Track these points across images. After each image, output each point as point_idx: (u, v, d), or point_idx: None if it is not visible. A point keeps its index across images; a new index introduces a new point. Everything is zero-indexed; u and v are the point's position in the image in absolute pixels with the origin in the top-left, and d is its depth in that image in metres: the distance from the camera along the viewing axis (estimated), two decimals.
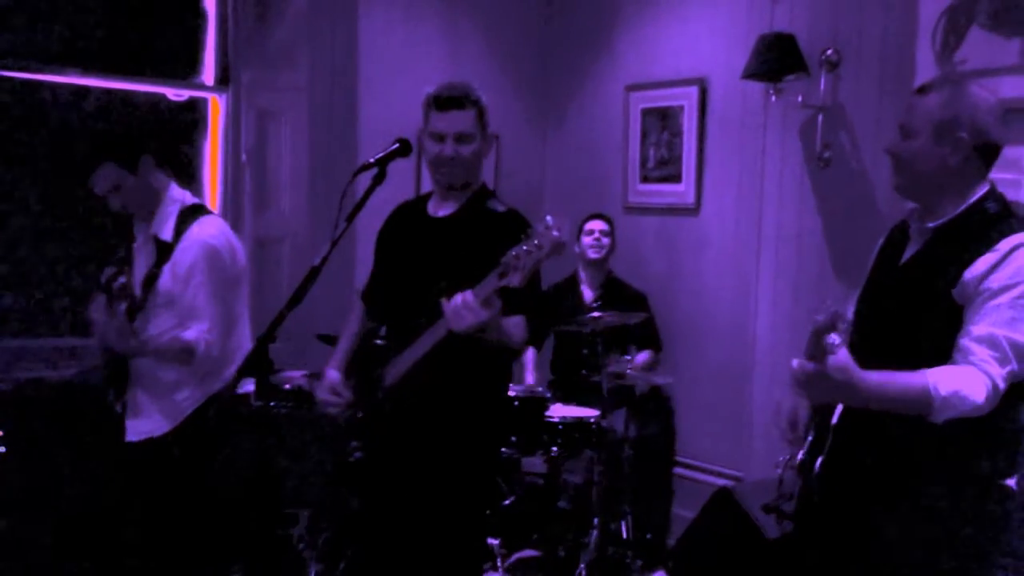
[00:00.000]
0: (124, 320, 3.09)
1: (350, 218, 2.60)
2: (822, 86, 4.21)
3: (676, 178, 4.96)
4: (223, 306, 3.13)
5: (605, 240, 4.77)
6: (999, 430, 2.13)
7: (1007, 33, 3.60)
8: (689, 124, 4.87)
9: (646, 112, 5.08)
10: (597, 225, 4.79)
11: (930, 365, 2.04)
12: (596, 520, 4.06)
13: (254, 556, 3.77)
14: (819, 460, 2.27)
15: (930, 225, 2.21)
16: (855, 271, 2.65)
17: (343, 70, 4.77)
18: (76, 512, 3.74)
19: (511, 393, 3.88)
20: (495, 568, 3.86)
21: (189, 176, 4.84)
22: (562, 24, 5.53)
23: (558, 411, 4.15)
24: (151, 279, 3.12)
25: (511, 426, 3.96)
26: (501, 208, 2.77)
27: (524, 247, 2.34)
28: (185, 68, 4.86)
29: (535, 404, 4.04)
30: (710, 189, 4.84)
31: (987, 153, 2.18)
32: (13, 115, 4.44)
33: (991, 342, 2.03)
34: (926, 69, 3.76)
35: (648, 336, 4.72)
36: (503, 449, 3.93)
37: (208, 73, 4.88)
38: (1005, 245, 2.07)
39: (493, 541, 3.90)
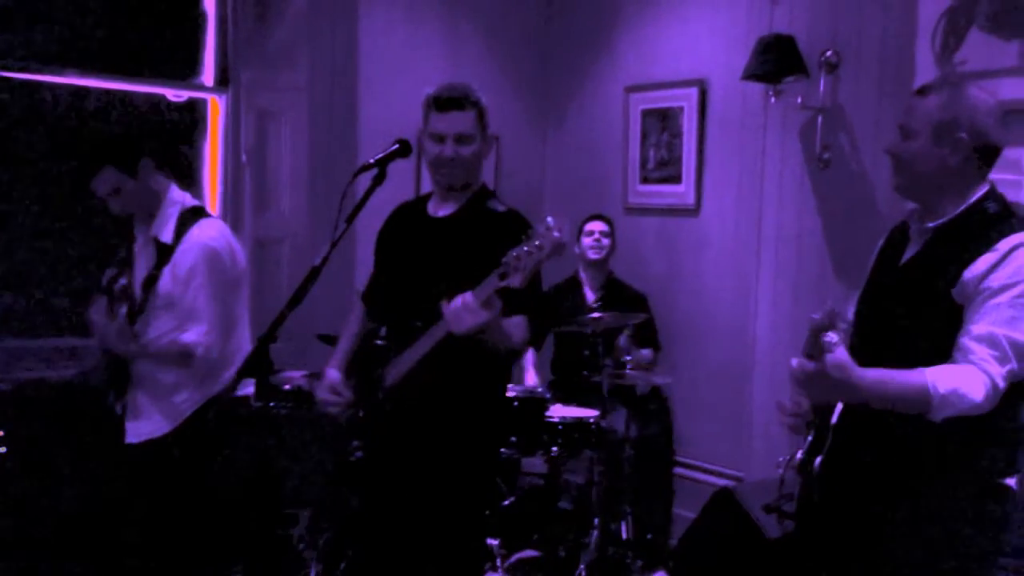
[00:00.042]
0: (124, 323, 3.10)
1: (350, 219, 2.60)
2: (822, 87, 4.22)
3: (676, 179, 4.96)
4: (223, 308, 3.13)
5: (605, 241, 4.77)
6: (999, 429, 2.13)
7: (1006, 35, 3.61)
8: (689, 125, 4.88)
9: (646, 113, 5.08)
10: (597, 226, 4.79)
11: (930, 365, 2.04)
12: (596, 520, 4.06)
13: (254, 556, 3.77)
14: (818, 459, 2.28)
15: (930, 225, 2.21)
16: (855, 271, 2.65)
17: (343, 70, 4.76)
18: (76, 512, 3.74)
19: (511, 393, 3.89)
20: (495, 568, 3.86)
21: (189, 178, 4.84)
22: (562, 24, 5.53)
23: (558, 411, 4.15)
24: (151, 281, 3.13)
25: (511, 426, 3.96)
26: (501, 208, 2.77)
27: (525, 248, 2.34)
28: (185, 69, 4.86)
29: (535, 404, 4.04)
30: (710, 190, 4.85)
31: (987, 154, 2.19)
32: (13, 115, 4.44)
33: (991, 341, 2.03)
34: (925, 71, 3.76)
35: (648, 337, 4.72)
36: (503, 449, 3.93)
37: (208, 74, 4.88)
38: (1005, 245, 2.08)
39: (493, 541, 3.90)
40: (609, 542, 4.12)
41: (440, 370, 2.62)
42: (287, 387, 3.86)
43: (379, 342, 2.81)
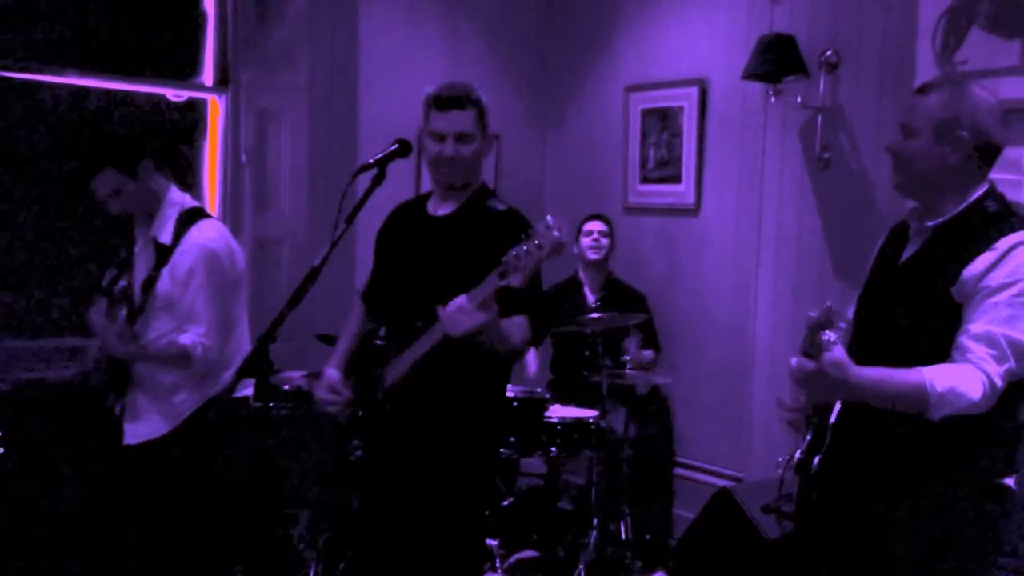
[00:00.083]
0: (124, 324, 3.10)
1: (350, 219, 2.59)
2: (822, 87, 4.22)
3: (676, 179, 4.96)
4: (221, 310, 3.14)
5: (604, 241, 4.77)
6: (998, 429, 2.13)
7: (1007, 34, 3.61)
8: (689, 125, 4.88)
9: (646, 113, 5.08)
10: (596, 226, 4.79)
11: (930, 364, 2.04)
12: (595, 520, 4.06)
13: (254, 556, 3.78)
14: (817, 459, 2.28)
15: (930, 224, 2.21)
16: (855, 271, 2.65)
17: (343, 70, 4.76)
18: (76, 512, 3.75)
19: (510, 393, 3.89)
20: (494, 569, 3.86)
21: (189, 179, 4.84)
22: (562, 24, 5.53)
23: (557, 412, 4.15)
24: (150, 282, 3.13)
25: (511, 427, 3.96)
26: (501, 207, 2.77)
27: (525, 247, 2.34)
28: (185, 69, 4.86)
29: (534, 405, 4.04)
30: (710, 190, 4.85)
31: (987, 153, 2.19)
32: (13, 115, 4.44)
33: (989, 340, 2.03)
34: (926, 70, 3.76)
35: (647, 337, 4.72)
36: (503, 450, 3.93)
37: (208, 74, 4.87)
38: (1004, 244, 2.08)
39: (492, 542, 3.90)
40: (608, 542, 4.12)
41: (439, 370, 2.62)
42: (287, 387, 3.86)
43: (379, 342, 2.81)
